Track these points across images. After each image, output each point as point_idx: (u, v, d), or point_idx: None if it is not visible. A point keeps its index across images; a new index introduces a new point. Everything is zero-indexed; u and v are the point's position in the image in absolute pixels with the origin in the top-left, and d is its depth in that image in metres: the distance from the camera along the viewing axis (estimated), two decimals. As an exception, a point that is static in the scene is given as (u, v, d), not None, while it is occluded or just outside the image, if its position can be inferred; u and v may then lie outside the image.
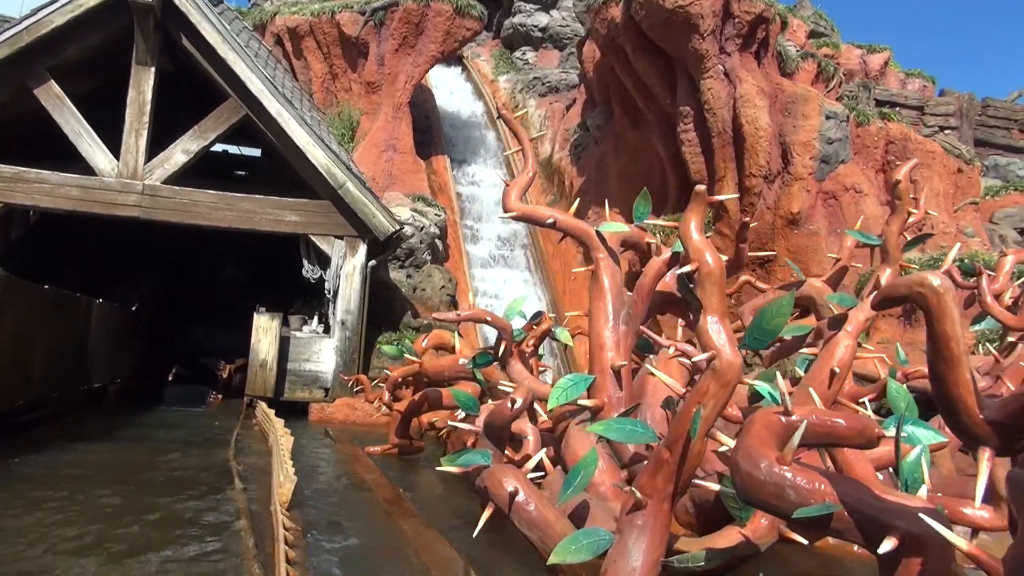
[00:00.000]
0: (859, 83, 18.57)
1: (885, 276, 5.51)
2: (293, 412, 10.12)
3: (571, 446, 5.04)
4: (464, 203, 18.40)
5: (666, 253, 5.18)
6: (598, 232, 5.46)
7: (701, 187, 3.44)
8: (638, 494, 3.36)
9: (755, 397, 4.44)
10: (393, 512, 4.82)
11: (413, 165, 16.99)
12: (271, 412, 9.07)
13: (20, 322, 7.03)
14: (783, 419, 3.07)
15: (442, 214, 15.18)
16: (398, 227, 10.94)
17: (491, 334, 14.28)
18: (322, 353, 10.87)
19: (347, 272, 10.98)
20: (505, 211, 5.63)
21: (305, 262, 11.30)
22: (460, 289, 14.38)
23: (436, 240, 14.69)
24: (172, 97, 11.79)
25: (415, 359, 6.40)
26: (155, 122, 10.76)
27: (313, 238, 11.03)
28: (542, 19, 23.66)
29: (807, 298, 5.74)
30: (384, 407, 8.10)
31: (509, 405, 4.31)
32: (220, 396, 12.66)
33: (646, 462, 3.50)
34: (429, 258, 14.40)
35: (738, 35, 12.49)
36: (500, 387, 5.43)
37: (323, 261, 11.25)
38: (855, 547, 4.51)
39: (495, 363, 5.95)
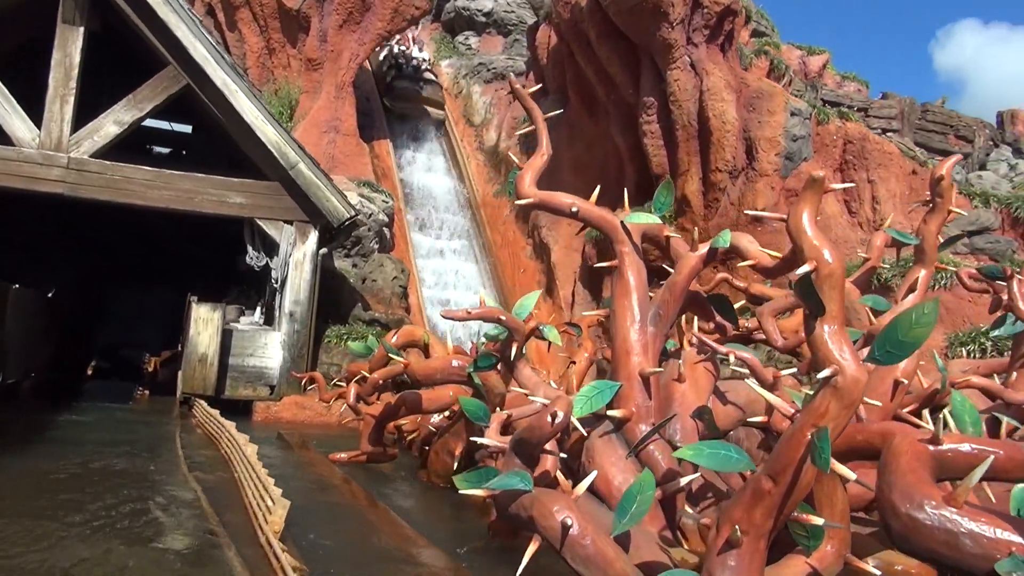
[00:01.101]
0: (806, 84, 18.66)
1: (920, 277, 5.18)
2: (235, 411, 9.25)
3: (597, 462, 4.51)
4: (408, 190, 17.65)
5: (703, 248, 4.70)
6: (623, 224, 4.93)
7: (820, 173, 2.94)
8: (738, 532, 2.85)
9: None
10: (404, 545, 4.19)
11: (357, 148, 16.13)
12: (215, 412, 8.23)
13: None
14: (931, 447, 2.63)
15: (389, 201, 14.42)
16: (354, 213, 10.18)
17: (444, 329, 13.58)
18: (268, 347, 10.02)
19: (297, 260, 10.16)
20: (519, 198, 5.04)
21: (249, 248, 10.42)
22: (409, 281, 13.67)
23: (384, 228, 13.94)
24: (101, 63, 10.69)
25: (399, 359, 5.75)
26: (81, 90, 9.68)
27: (259, 222, 10.16)
28: (486, 3, 22.99)
29: (833, 300, 5.36)
30: (351, 411, 7.39)
31: (549, 419, 3.73)
32: (147, 392, 11.64)
33: (740, 493, 2.99)
34: (376, 247, 13.63)
35: (706, 26, 12.18)
36: (530, 398, 4.85)
37: (269, 247, 10.39)
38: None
39: (493, 367, 5.36)
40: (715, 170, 12.02)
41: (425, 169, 18.71)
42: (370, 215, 12.32)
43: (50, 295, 10.82)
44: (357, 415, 7.83)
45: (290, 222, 10.18)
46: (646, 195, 13.58)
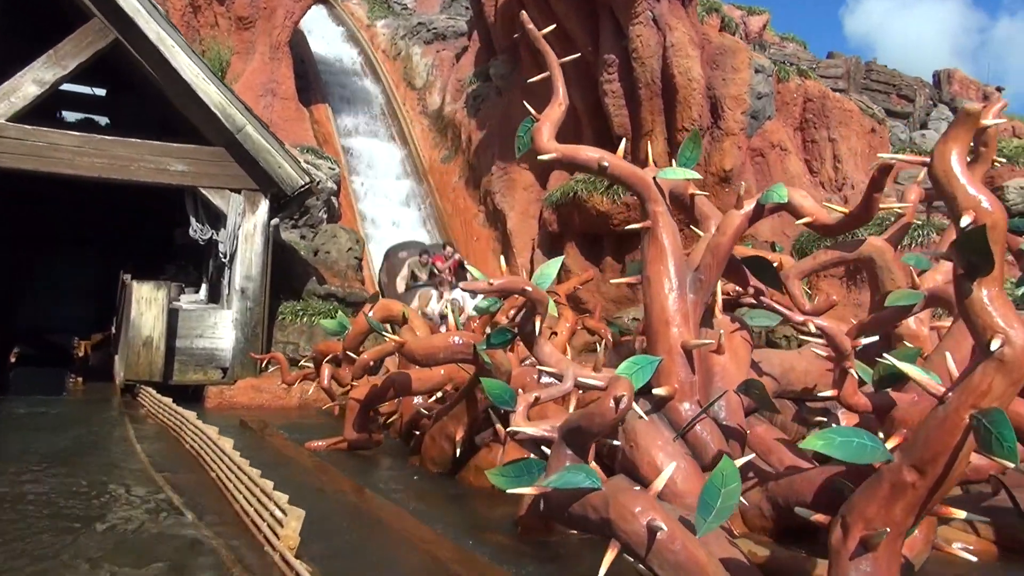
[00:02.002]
0: (752, 43, 18.46)
1: (960, 234, 4.86)
2: (185, 398, 8.46)
3: (641, 447, 4.06)
4: (350, 157, 16.77)
5: (748, 204, 4.24)
6: (655, 180, 4.44)
7: (972, 105, 2.48)
8: (878, 533, 2.43)
9: (883, 381, 3.63)
10: (436, 551, 3.65)
11: (296, 113, 15.19)
12: (168, 401, 7.47)
13: None
14: None
15: (335, 168, 13.61)
16: (308, 180, 9.42)
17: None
18: (218, 327, 9.23)
19: (247, 232, 9.36)
20: (539, 153, 4.49)
21: (193, 220, 9.55)
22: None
23: (332, 197, 13.14)
24: (12, 15, 9.55)
25: (393, 337, 5.15)
26: (-7, 45, 8.61)
27: (204, 191, 9.29)
28: (422, -40, 22.02)
29: (865, 259, 5.00)
30: (326, 395, 6.78)
31: (612, 404, 3.23)
32: (80, 379, 10.68)
33: (872, 486, 2.56)
34: (325, 217, 12.85)
35: (668, -21, 11.71)
36: (546, 377, 4.34)
37: (215, 219, 9.55)
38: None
39: (508, 344, 4.83)
40: (681, 129, 11.64)
41: (367, 135, 17.84)
42: (317, 183, 11.51)
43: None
44: (332, 398, 7.22)
45: (238, 191, 9.35)
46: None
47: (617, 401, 3.25)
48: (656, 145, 11.92)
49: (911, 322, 4.79)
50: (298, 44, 18.43)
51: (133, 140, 9.02)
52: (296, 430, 7.61)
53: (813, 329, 3.38)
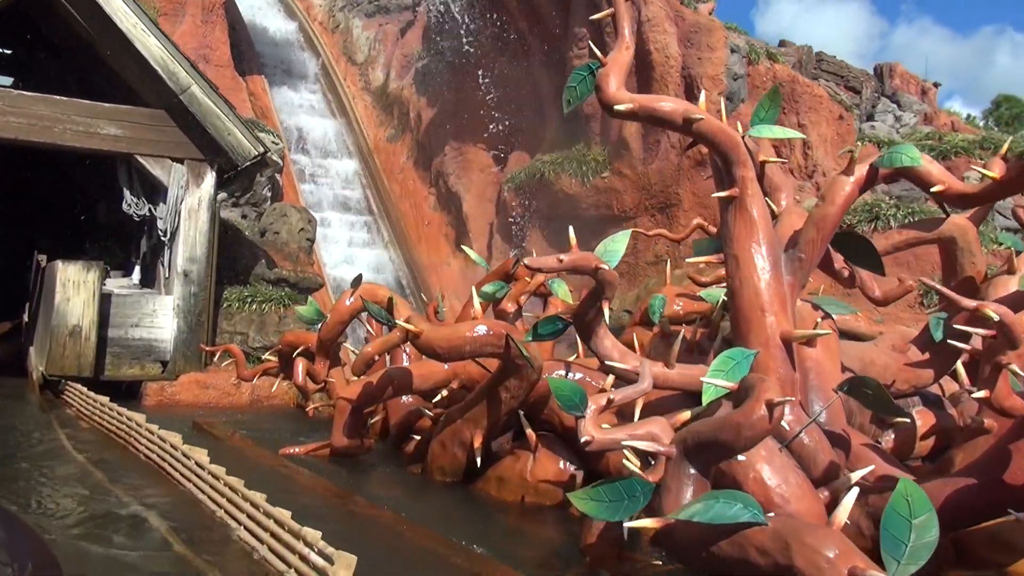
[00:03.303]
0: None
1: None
2: (118, 395, 7.34)
3: (745, 458, 3.36)
4: (289, 134, 15.56)
5: (860, 169, 3.59)
6: (745, 141, 3.76)
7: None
8: None
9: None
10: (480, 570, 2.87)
11: (233, 83, 13.90)
12: (105, 400, 6.38)
13: None
14: None
15: (279, 143, 12.48)
16: (263, 149, 8.38)
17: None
18: (157, 315, 8.12)
19: (190, 207, 8.26)
20: (608, 104, 3.72)
21: (126, 192, 8.39)
22: (310, 233, 11.85)
23: (276, 175, 12.03)
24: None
25: (407, 326, 4.29)
26: None
27: (140, 159, 8.14)
28: (362, -72, 20.78)
29: (946, 239, 4.45)
30: (301, 392, 5.86)
31: (763, 412, 2.52)
32: (-12, 374, 9.33)
33: None
34: (270, 195, 11.74)
35: (643, -50, 11.08)
36: (612, 374, 3.59)
37: (152, 191, 8.41)
38: None
39: (558, 334, 4.07)
40: (657, 110, 11.02)
41: (306, 111, 16.65)
42: (270, 153, 10.42)
43: None
44: (306, 397, 6.28)
45: (180, 160, 8.24)
46: (571, 139, 12.48)
47: (771, 407, 2.54)
48: (629, 126, 11.28)
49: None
50: (228, 11, 17.05)
51: (58, 98, 7.80)
52: (254, 432, 6.66)
53: (992, 315, 2.75)
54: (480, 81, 13.91)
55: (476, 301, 4.70)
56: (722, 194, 3.66)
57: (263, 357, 7.09)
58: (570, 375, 4.93)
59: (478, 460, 4.50)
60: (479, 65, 13.99)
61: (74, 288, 7.51)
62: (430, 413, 5.08)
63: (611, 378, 4.17)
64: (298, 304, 9.46)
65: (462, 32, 14.44)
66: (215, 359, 7.50)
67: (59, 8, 7.81)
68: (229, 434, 6.03)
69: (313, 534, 2.70)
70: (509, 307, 5.75)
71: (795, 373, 3.51)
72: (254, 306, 8.97)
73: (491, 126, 13.68)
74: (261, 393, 8.15)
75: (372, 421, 6.05)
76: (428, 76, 15.66)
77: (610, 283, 3.54)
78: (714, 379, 2.97)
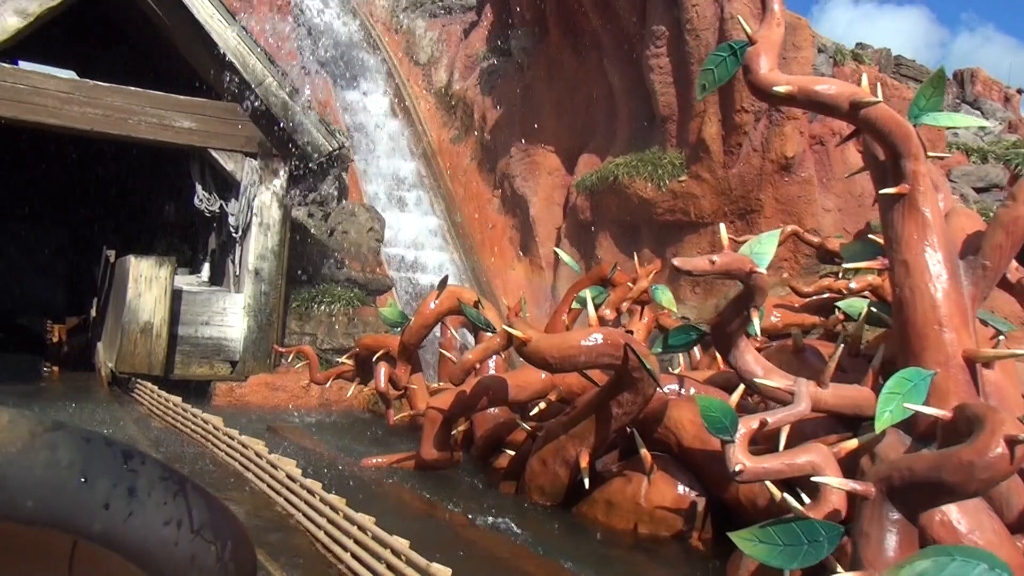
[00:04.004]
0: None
1: None
2: (187, 394, 7.12)
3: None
4: (351, 134, 15.37)
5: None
6: (918, 132, 3.30)
7: None
8: None
9: None
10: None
11: (298, 82, 13.72)
12: (177, 400, 6.13)
13: None
14: None
15: (346, 140, 12.25)
16: (337, 145, 8.13)
17: (415, 293, 11.68)
18: (228, 314, 7.90)
19: (262, 203, 8.04)
20: (761, 87, 3.30)
21: (199, 188, 8.20)
22: (375, 234, 11.59)
23: (343, 173, 11.81)
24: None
25: (516, 332, 3.90)
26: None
27: (213, 154, 7.94)
28: (426, -71, 20.62)
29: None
30: (381, 400, 5.53)
31: (1001, 448, 2.08)
32: (56, 369, 9.24)
33: None
34: (336, 193, 11.52)
35: (729, -56, 10.60)
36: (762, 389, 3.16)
37: (224, 187, 8.21)
38: None
39: (691, 345, 3.66)
40: (740, 111, 10.54)
41: (368, 111, 16.47)
42: (343, 148, 10.19)
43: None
44: (388, 404, 5.95)
45: (253, 155, 8.02)
46: (645, 141, 12.04)
47: (1011, 444, 2.09)
48: (709, 127, 10.82)
49: None
50: (294, 10, 17.00)
51: (132, 89, 7.64)
52: (326, 437, 6.38)
53: None
54: (549, 81, 13.54)
55: (591, 307, 4.29)
56: (890, 190, 3.21)
57: (338, 360, 6.79)
58: (682, 390, 4.52)
59: (586, 481, 4.10)
60: (547, 65, 13.63)
61: (146, 284, 7.32)
62: (526, 426, 4.69)
63: (735, 396, 3.75)
64: (366, 305, 9.20)
65: (529, 31, 14.10)
66: (288, 360, 7.24)
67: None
68: (307, 439, 5.73)
69: (443, 571, 2.33)
70: (608, 314, 5.36)
71: (980, 398, 3.04)
72: (323, 307, 8.72)
73: (560, 128, 13.30)
74: (331, 396, 7.88)
75: (455, 432, 5.70)
76: (493, 76, 15.34)
77: (762, 290, 3.12)
78: (915, 405, 2.52)
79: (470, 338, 7.33)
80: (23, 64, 12.45)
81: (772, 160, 10.54)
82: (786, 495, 2.81)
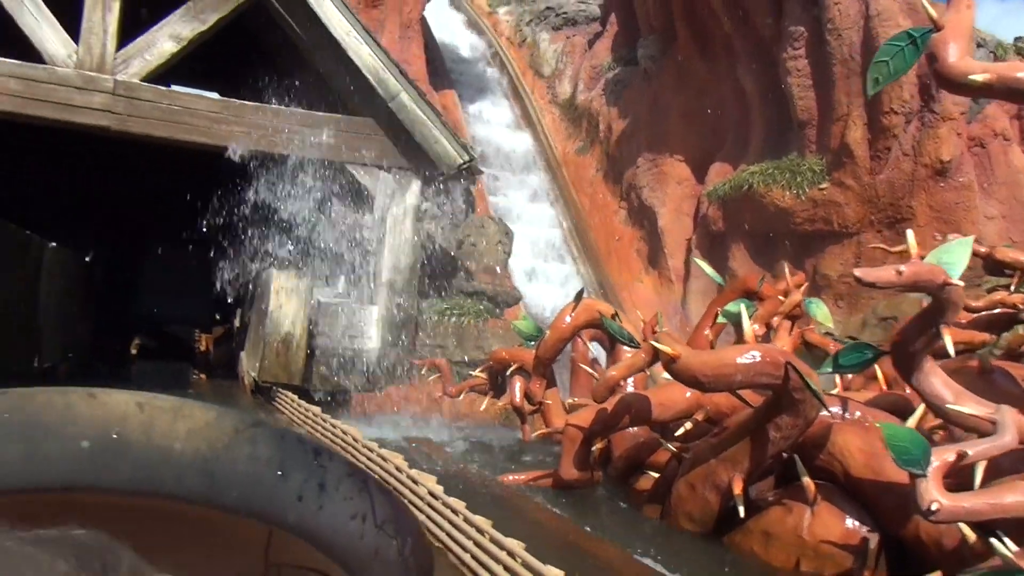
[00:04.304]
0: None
1: None
2: (323, 404, 7.26)
3: None
4: (478, 148, 15.52)
5: None
6: None
7: None
8: None
9: None
10: None
11: (428, 94, 13.99)
12: (317, 410, 6.23)
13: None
14: None
15: (475, 155, 12.33)
16: (468, 157, 8.13)
17: (539, 306, 11.57)
18: (362, 326, 8.02)
19: (396, 216, 8.14)
20: (952, 77, 2.96)
21: (335, 201, 8.38)
22: (502, 246, 11.58)
23: (470, 186, 11.87)
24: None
25: (664, 348, 3.68)
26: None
27: (349, 168, 8.11)
28: (549, -59, 20.68)
29: None
30: (518, 415, 5.41)
31: None
32: (204, 375, 9.69)
33: None
34: (464, 206, 11.58)
35: (874, -64, 9.99)
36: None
37: (359, 201, 8.37)
38: None
39: (867, 365, 3.33)
40: (888, 112, 9.88)
41: (493, 124, 16.59)
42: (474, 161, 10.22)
43: (88, 258, 8.82)
44: (523, 420, 5.84)
45: (388, 169, 8.14)
46: (781, 147, 11.50)
47: None
48: (854, 131, 10.19)
49: None
50: (422, 27, 17.38)
51: (275, 107, 7.92)
52: (462, 452, 6.32)
53: None
54: (677, 89, 13.19)
55: (746, 322, 4.00)
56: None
57: (471, 373, 6.74)
58: (846, 414, 4.15)
59: (741, 509, 3.81)
60: (675, 72, 13.28)
61: (286, 296, 7.54)
62: (671, 447, 4.44)
63: (912, 421, 3.38)
64: (495, 318, 9.16)
65: (656, 39, 13.80)
66: (424, 371, 7.26)
67: (277, 18, 7.91)
68: (441, 452, 5.69)
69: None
70: (756, 330, 5.03)
71: None
72: (453, 319, 8.72)
73: (689, 136, 12.92)
74: (461, 409, 7.85)
75: (593, 450, 5.50)
76: (618, 86, 15.12)
77: (955, 304, 2.78)
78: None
79: (601, 353, 7.14)
80: (173, 87, 13.27)
81: (926, 164, 9.81)
82: (993, 540, 2.46)
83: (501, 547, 2.83)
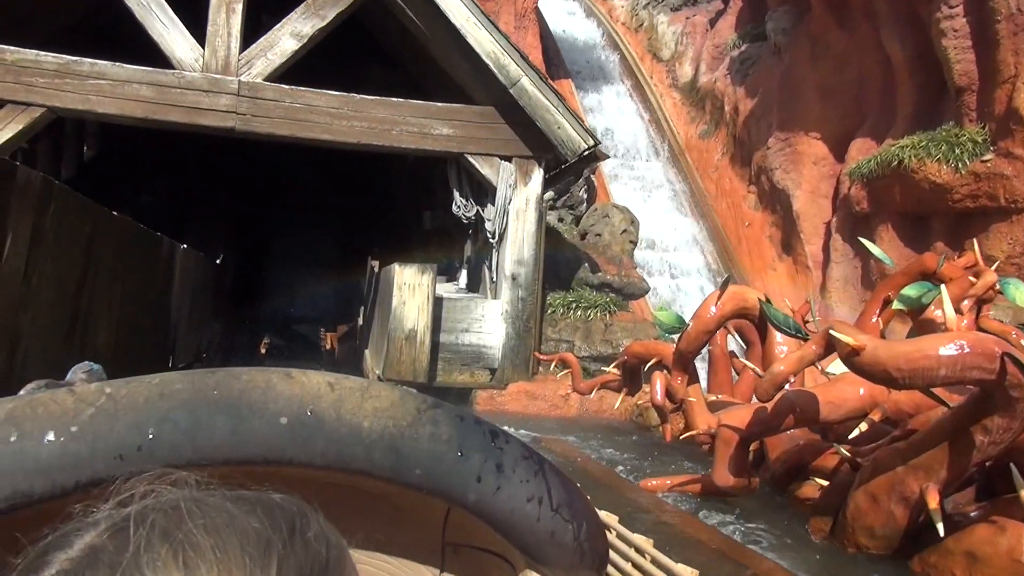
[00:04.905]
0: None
1: None
2: (448, 401, 7.01)
3: None
4: (598, 136, 15.05)
5: None
6: None
7: None
8: None
9: None
10: None
11: (545, 85, 13.65)
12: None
13: (74, 264, 3.99)
14: None
15: (597, 142, 11.90)
16: (592, 143, 7.72)
17: (661, 296, 11.01)
18: (486, 320, 7.76)
19: (518, 207, 7.82)
20: None
21: (456, 194, 8.18)
22: (627, 236, 11.10)
23: (591, 175, 11.47)
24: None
25: (845, 339, 3.17)
26: None
27: (470, 159, 7.86)
28: (665, -80, 19.92)
29: None
30: (659, 414, 4.97)
31: None
32: (329, 373, 9.70)
33: None
34: (586, 196, 11.20)
35: None
36: None
37: (480, 192, 8.11)
38: None
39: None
40: (1064, 71, 8.75)
41: (612, 112, 16.08)
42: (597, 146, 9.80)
43: (219, 260, 8.98)
44: (664, 419, 5.39)
45: (508, 158, 7.84)
46: (934, 118, 10.46)
47: None
48: (1021, 93, 9.10)
49: None
50: (537, 16, 17.07)
51: (394, 100, 7.75)
52: (596, 452, 5.93)
53: None
54: (811, 62, 12.28)
55: (948, 307, 3.41)
56: None
57: (603, 369, 6.34)
58: None
59: (939, 526, 3.24)
60: (809, 44, 12.37)
61: (410, 291, 7.36)
62: (844, 451, 3.88)
63: None
64: (623, 310, 8.71)
65: (787, 10, 12.91)
66: (551, 367, 6.91)
67: (394, 9, 7.75)
68: (576, 453, 5.32)
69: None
70: (934, 315, 4.39)
71: None
72: (579, 312, 8.35)
73: (826, 111, 12.00)
74: (590, 407, 7.47)
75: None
76: (745, 63, 14.30)
77: None
78: None
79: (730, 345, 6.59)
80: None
81: (1113, 128, 8.62)
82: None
83: (667, 572, 2.41)
